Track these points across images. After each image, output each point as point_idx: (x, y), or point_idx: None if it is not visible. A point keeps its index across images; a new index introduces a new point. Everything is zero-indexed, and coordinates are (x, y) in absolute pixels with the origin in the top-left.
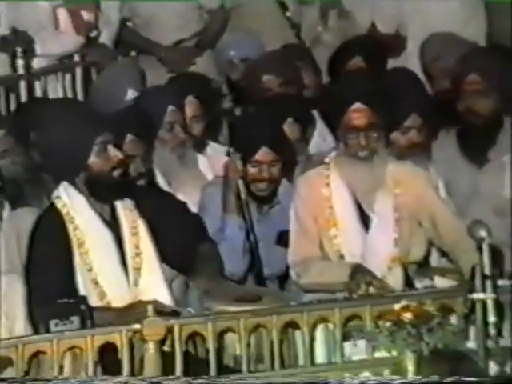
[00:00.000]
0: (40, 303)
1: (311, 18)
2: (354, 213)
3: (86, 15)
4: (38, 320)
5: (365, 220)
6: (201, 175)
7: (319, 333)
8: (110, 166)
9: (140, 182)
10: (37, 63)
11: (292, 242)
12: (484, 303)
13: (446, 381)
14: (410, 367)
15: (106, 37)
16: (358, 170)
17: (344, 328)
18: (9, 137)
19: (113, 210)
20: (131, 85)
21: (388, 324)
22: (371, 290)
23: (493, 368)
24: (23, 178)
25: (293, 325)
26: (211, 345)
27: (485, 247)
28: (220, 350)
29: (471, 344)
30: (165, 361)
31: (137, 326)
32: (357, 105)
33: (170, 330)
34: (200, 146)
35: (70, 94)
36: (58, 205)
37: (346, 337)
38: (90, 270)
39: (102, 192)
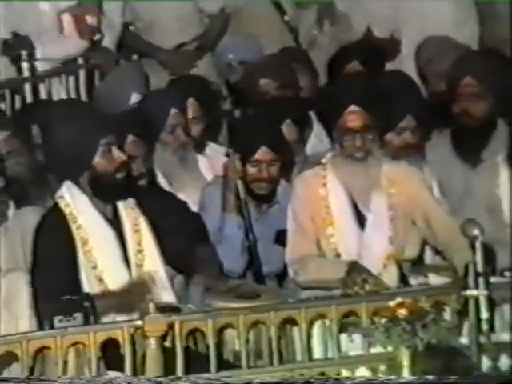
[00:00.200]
0: (44, 300)
1: (308, 21)
2: (350, 212)
3: (90, 19)
4: (42, 316)
5: (360, 219)
6: (201, 177)
7: (316, 329)
8: (113, 166)
9: (141, 181)
10: (41, 66)
11: (289, 241)
12: (477, 300)
13: (444, 380)
14: (405, 362)
15: (108, 40)
16: (354, 171)
17: (340, 324)
18: (14, 138)
19: (115, 209)
20: (135, 89)
21: (383, 320)
22: (367, 287)
23: (485, 363)
24: (27, 178)
25: (291, 321)
26: (211, 340)
27: (478, 245)
28: (220, 346)
29: (464, 339)
30: (166, 356)
31: (138, 323)
32: (352, 107)
33: (170, 326)
34: (199, 147)
35: (73, 96)
36: (61, 204)
37: (342, 332)
38: (94, 267)
39: (105, 192)
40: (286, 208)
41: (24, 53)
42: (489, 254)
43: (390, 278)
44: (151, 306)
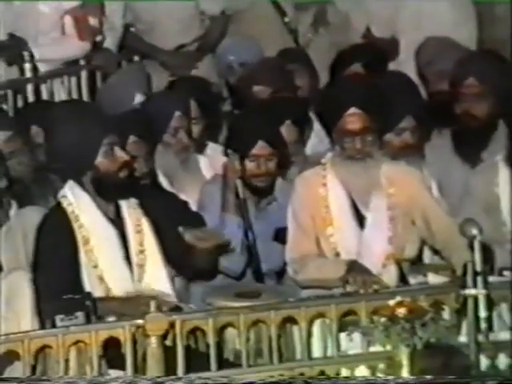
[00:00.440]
0: (46, 299)
1: (305, 23)
2: (350, 212)
3: (92, 20)
4: (44, 315)
5: (360, 219)
6: (203, 178)
7: (316, 328)
8: (116, 166)
9: (143, 181)
10: (41, 67)
11: (290, 240)
12: (475, 299)
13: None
14: (404, 361)
15: (110, 42)
16: (354, 171)
17: (340, 323)
18: (16, 138)
19: (117, 209)
20: (139, 90)
21: (383, 319)
22: (370, 288)
23: (484, 362)
24: (30, 178)
25: (291, 320)
26: (212, 339)
27: (476, 245)
28: (220, 345)
29: (463, 338)
30: (167, 355)
31: (140, 322)
32: (353, 109)
33: (171, 325)
34: (200, 147)
35: (75, 97)
36: (64, 204)
37: (342, 331)
38: (95, 266)
39: (108, 191)
40: (285, 206)
41: (26, 54)
42: (487, 253)
43: (390, 277)
44: (152, 306)
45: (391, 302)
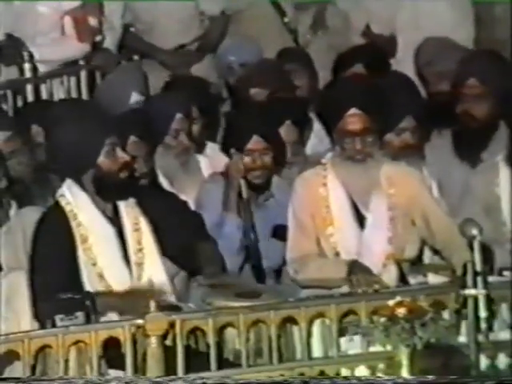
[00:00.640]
0: (46, 299)
1: (305, 23)
2: (350, 212)
3: (92, 20)
4: (43, 315)
5: (360, 219)
6: (203, 179)
7: (316, 328)
8: (117, 167)
9: (143, 181)
10: (41, 67)
11: (290, 239)
12: (475, 299)
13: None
14: (404, 361)
15: (109, 41)
16: (354, 171)
17: (340, 323)
18: (16, 138)
19: (115, 207)
20: (135, 88)
21: (383, 319)
22: (373, 287)
23: (484, 362)
24: (30, 178)
25: (291, 320)
26: (212, 339)
27: (476, 245)
28: (220, 345)
29: (463, 338)
30: (167, 355)
31: (140, 321)
32: (353, 110)
33: (171, 325)
34: (199, 147)
35: (74, 97)
36: (62, 203)
37: (342, 331)
38: (94, 264)
39: (108, 191)
40: (282, 202)
41: (25, 54)
42: (487, 253)
43: (390, 277)
44: (152, 305)
45: (391, 302)
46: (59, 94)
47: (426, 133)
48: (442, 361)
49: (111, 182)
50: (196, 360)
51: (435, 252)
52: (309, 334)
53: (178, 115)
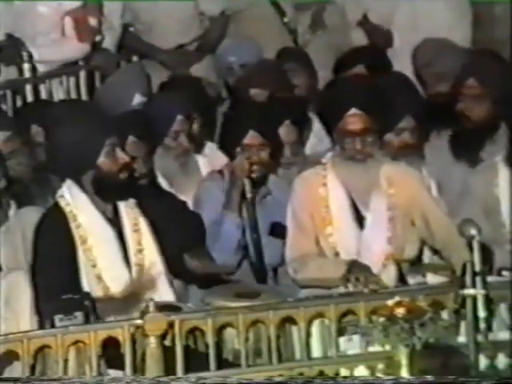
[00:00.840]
0: (45, 299)
1: (305, 23)
2: (350, 212)
3: (92, 21)
4: (43, 315)
5: (360, 219)
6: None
7: (315, 328)
8: (116, 167)
9: (142, 181)
10: (40, 68)
11: (289, 239)
12: (474, 299)
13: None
14: (403, 361)
15: (108, 42)
16: (354, 171)
17: (339, 323)
18: (15, 138)
19: (115, 208)
20: (138, 90)
21: (382, 319)
22: (370, 285)
23: (483, 362)
24: (29, 178)
25: (290, 320)
26: (211, 339)
27: (475, 245)
28: (219, 345)
29: (462, 338)
30: (166, 355)
31: (139, 322)
32: (353, 110)
33: (170, 325)
34: (198, 147)
35: (74, 97)
36: (62, 204)
37: (341, 331)
38: (93, 265)
39: (108, 192)
40: (279, 200)
41: (25, 54)
42: (486, 253)
43: (389, 277)
44: (151, 305)
45: (390, 302)
46: (58, 94)
47: (425, 133)
48: (441, 361)
49: (111, 182)
50: (195, 360)
51: (435, 252)
52: (308, 334)
53: (179, 117)
